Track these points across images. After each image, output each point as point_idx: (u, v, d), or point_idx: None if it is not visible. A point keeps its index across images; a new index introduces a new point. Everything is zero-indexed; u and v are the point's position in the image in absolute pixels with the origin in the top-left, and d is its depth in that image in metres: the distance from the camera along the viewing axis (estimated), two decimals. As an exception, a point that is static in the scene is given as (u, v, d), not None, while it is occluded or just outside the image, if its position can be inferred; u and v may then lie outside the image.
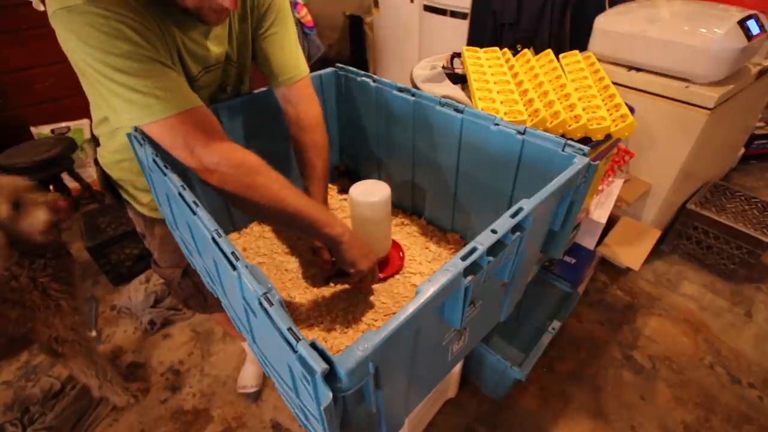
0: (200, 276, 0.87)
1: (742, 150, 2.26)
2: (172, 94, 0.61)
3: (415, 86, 1.07)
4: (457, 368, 1.25)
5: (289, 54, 0.81)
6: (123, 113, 0.60)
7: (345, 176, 1.09)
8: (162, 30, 0.63)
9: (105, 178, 0.89)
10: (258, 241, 0.94)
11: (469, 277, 0.45)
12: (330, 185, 1.11)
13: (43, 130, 2.22)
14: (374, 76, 0.88)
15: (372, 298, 0.78)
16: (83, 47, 0.56)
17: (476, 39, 2.14)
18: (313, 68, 0.95)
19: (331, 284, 0.82)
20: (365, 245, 0.70)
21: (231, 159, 0.63)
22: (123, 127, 0.76)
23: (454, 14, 2.20)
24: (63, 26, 0.56)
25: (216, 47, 0.74)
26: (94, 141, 0.87)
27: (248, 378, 1.39)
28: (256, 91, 0.87)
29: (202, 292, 1.01)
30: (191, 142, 0.62)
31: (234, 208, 0.64)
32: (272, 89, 0.85)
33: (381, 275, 0.82)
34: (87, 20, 0.54)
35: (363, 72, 0.90)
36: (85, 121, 2.31)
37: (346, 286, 0.81)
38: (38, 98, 2.20)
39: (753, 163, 2.38)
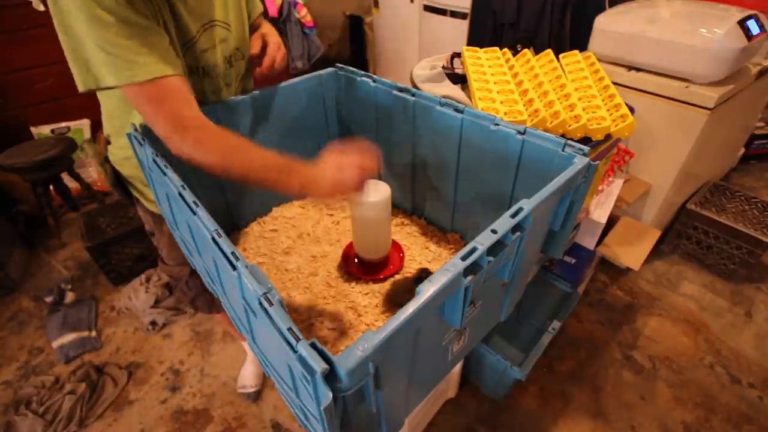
0: (203, 275, 0.87)
1: (742, 150, 2.26)
2: (153, 58, 0.61)
3: (415, 86, 1.07)
4: (457, 368, 1.25)
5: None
6: (107, 73, 0.61)
7: None
8: None
9: (115, 175, 0.89)
10: (258, 241, 0.94)
11: (469, 277, 0.45)
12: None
13: (43, 130, 2.22)
14: (374, 76, 0.88)
15: (372, 298, 0.78)
16: (72, 7, 0.57)
17: (476, 39, 2.14)
18: (313, 68, 0.96)
19: (330, 284, 0.82)
20: (330, 177, 0.63)
21: (202, 126, 0.64)
22: (133, 122, 0.76)
23: (454, 14, 2.20)
24: None
25: (215, 1, 0.76)
26: (105, 139, 0.88)
27: (248, 378, 1.39)
28: (255, 92, 0.87)
29: (209, 291, 1.01)
30: (162, 108, 0.63)
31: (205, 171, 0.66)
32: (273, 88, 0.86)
33: (381, 275, 0.82)
34: None
35: (363, 72, 0.90)
36: (85, 121, 2.30)
37: (347, 285, 0.81)
38: (38, 98, 2.20)
39: (753, 163, 2.38)
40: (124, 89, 0.63)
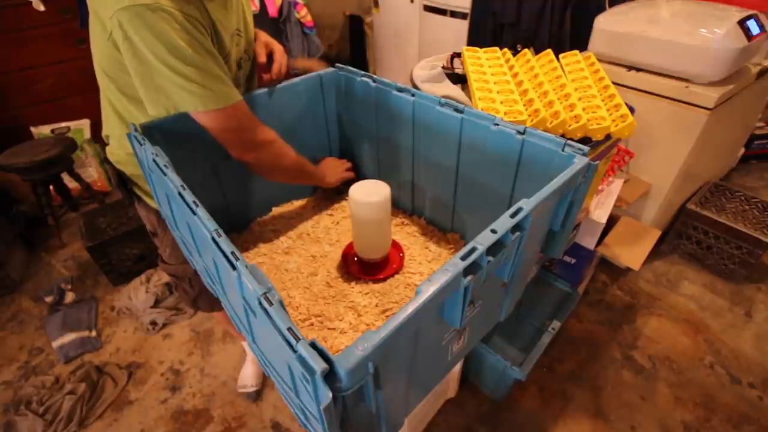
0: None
1: (742, 150, 2.26)
2: (224, 85, 0.69)
3: (415, 86, 1.07)
4: (457, 368, 1.25)
5: None
6: (181, 102, 0.67)
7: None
8: (202, 13, 0.68)
9: (117, 175, 0.89)
10: (258, 241, 0.94)
11: (469, 277, 0.45)
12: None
13: (43, 130, 2.22)
14: (374, 76, 0.88)
15: (372, 298, 0.78)
16: (152, 41, 0.61)
17: (476, 39, 2.14)
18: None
19: (329, 284, 0.82)
20: (330, 170, 0.98)
21: (266, 139, 0.78)
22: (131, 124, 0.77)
23: (454, 14, 2.20)
24: (134, 21, 0.60)
25: (233, 15, 0.79)
26: (101, 141, 0.88)
27: (248, 378, 1.39)
28: (256, 92, 0.87)
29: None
30: (242, 128, 0.74)
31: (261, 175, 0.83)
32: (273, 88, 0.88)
33: (381, 275, 0.82)
34: (159, 16, 0.61)
35: (363, 72, 0.90)
36: (85, 121, 2.30)
37: (347, 285, 0.81)
38: (38, 98, 2.20)
39: (753, 163, 2.38)
40: (201, 115, 0.69)
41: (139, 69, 0.65)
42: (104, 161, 0.91)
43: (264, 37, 0.92)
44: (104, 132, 0.86)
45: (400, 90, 0.84)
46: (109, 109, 0.81)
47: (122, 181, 0.90)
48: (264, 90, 0.88)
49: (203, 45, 0.66)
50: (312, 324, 0.73)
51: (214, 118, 0.69)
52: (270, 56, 0.91)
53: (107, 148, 0.88)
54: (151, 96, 0.68)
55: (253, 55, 0.90)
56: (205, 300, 1.03)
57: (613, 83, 1.04)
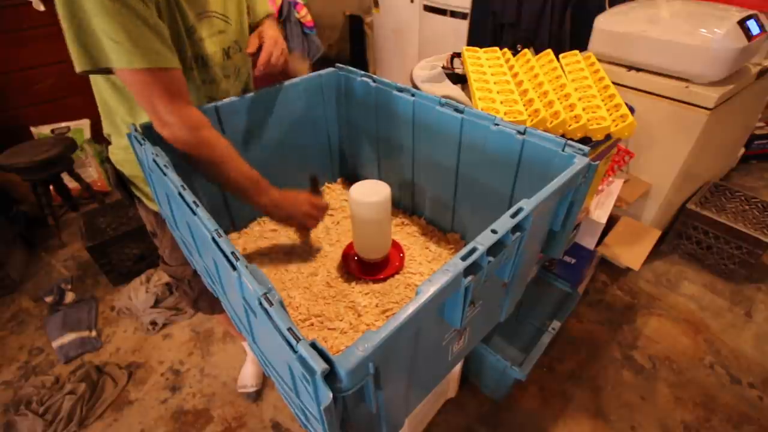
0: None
1: (742, 150, 2.26)
2: (153, 47, 0.64)
3: (415, 86, 1.07)
4: (457, 368, 1.25)
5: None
6: (110, 53, 0.63)
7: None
8: None
9: (117, 175, 0.89)
10: (258, 241, 0.94)
11: (469, 277, 0.45)
12: (330, 184, 1.11)
13: (43, 130, 2.22)
14: (374, 76, 0.88)
15: (372, 298, 0.78)
16: None
17: (476, 39, 2.14)
18: (313, 68, 0.96)
19: (330, 284, 0.82)
20: (289, 205, 0.80)
21: (186, 121, 0.69)
22: (134, 122, 0.77)
23: (454, 14, 2.20)
24: None
25: None
26: (105, 140, 0.88)
27: (248, 378, 1.39)
28: (255, 92, 0.87)
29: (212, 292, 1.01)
30: (156, 98, 0.67)
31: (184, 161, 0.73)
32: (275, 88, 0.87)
33: (381, 275, 0.82)
34: None
35: (363, 72, 0.90)
36: (85, 121, 2.30)
37: (347, 285, 0.81)
38: (38, 98, 2.20)
39: (753, 163, 2.38)
40: (127, 74, 0.65)
41: (67, 22, 0.62)
42: (106, 160, 0.90)
43: (264, 26, 0.88)
44: (105, 131, 0.86)
45: (400, 90, 0.84)
46: (106, 108, 0.81)
47: (121, 181, 0.90)
48: (264, 90, 0.88)
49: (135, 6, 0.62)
50: (312, 324, 0.73)
51: (132, 76, 0.65)
52: (260, 48, 0.85)
53: (110, 148, 0.88)
54: (76, 53, 0.64)
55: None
56: (205, 301, 1.03)
57: (613, 83, 1.04)
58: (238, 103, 0.85)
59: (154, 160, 0.63)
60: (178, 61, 0.69)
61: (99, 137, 2.36)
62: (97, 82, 0.77)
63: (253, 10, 0.90)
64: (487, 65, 1.08)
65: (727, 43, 1.23)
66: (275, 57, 0.84)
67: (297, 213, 0.81)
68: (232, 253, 0.47)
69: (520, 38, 1.95)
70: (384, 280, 0.82)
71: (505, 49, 1.17)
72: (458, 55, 1.20)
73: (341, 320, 0.73)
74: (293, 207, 0.80)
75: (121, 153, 0.85)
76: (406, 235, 0.95)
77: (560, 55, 1.16)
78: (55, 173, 1.90)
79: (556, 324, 1.27)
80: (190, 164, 0.73)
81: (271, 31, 0.86)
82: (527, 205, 0.51)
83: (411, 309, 0.40)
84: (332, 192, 1.09)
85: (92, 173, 2.34)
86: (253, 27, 0.90)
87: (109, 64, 0.64)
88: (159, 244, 0.99)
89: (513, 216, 0.50)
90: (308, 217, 0.82)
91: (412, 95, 0.82)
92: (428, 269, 0.85)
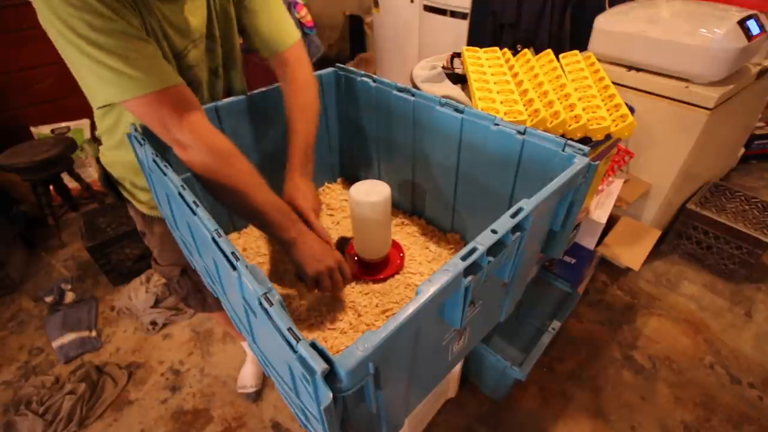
0: (199, 275, 0.87)
1: (742, 150, 2.26)
2: (147, 71, 0.60)
3: (415, 86, 1.07)
4: (457, 368, 1.25)
5: (277, 24, 0.82)
6: (97, 91, 0.61)
7: None
8: (138, 3, 0.63)
9: (106, 176, 0.90)
10: (258, 241, 0.94)
11: (469, 277, 0.45)
12: (330, 184, 1.11)
13: (43, 130, 2.22)
14: (374, 76, 0.88)
15: (372, 298, 0.78)
16: (57, 22, 0.56)
17: (476, 39, 2.14)
18: (313, 68, 0.95)
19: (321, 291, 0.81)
20: (319, 249, 0.69)
21: (204, 140, 0.64)
22: (122, 124, 0.77)
23: (454, 14, 2.20)
24: (39, 1, 0.56)
25: (194, 18, 0.73)
26: (96, 140, 0.88)
27: (248, 378, 1.39)
28: (255, 92, 0.87)
29: (201, 291, 1.01)
30: (166, 120, 0.62)
31: (205, 189, 0.68)
32: (277, 88, 0.86)
33: (381, 275, 0.82)
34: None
35: (363, 72, 0.90)
36: (85, 121, 2.31)
37: (347, 285, 0.81)
38: (38, 98, 2.20)
39: (753, 163, 2.38)
40: (132, 104, 0.61)
41: (69, 63, 0.60)
42: (97, 161, 0.90)
43: (294, 193, 0.77)
44: (98, 132, 0.86)
45: (400, 90, 0.84)
46: (98, 111, 0.80)
47: (110, 182, 0.90)
48: (264, 90, 0.88)
49: (118, 27, 0.58)
50: (312, 324, 0.73)
51: (134, 106, 0.61)
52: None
53: (100, 148, 0.88)
54: (81, 84, 0.62)
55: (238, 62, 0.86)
56: (195, 300, 1.04)
57: (613, 83, 1.04)
58: (238, 103, 0.85)
59: (154, 160, 0.63)
60: (179, 76, 0.65)
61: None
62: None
63: (275, 41, 0.82)
64: (487, 65, 1.08)
65: (727, 43, 1.23)
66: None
67: (323, 261, 0.68)
68: (232, 253, 0.47)
69: (520, 38, 1.95)
70: (384, 280, 0.82)
71: (505, 49, 1.17)
72: (458, 55, 1.20)
73: (341, 320, 0.73)
74: (322, 252, 0.69)
75: (108, 154, 0.86)
76: (406, 235, 0.95)
77: (560, 55, 1.16)
78: (55, 173, 1.90)
79: (556, 324, 1.27)
80: (210, 191, 0.67)
81: (302, 201, 0.75)
82: (527, 205, 0.51)
83: (411, 309, 0.40)
84: (332, 192, 1.09)
85: (92, 173, 2.34)
86: (280, 55, 0.83)
87: (113, 100, 0.61)
88: (148, 244, 1.00)
89: (513, 216, 0.50)
90: (328, 274, 0.69)
91: (412, 95, 0.82)
92: (428, 269, 0.85)
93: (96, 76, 0.59)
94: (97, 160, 0.89)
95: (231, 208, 0.70)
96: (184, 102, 0.64)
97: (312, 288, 0.70)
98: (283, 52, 0.83)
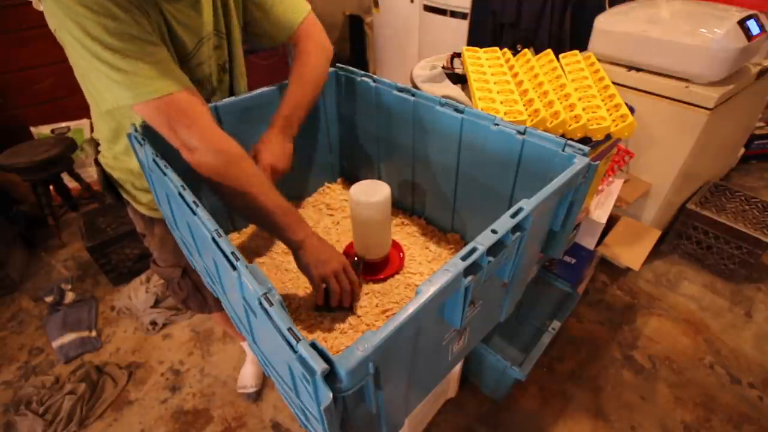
0: (199, 276, 0.87)
1: (742, 150, 2.26)
2: (159, 75, 0.61)
3: (415, 86, 1.07)
4: (457, 368, 1.25)
5: (285, 6, 0.83)
6: (107, 94, 0.61)
7: None
8: (147, 4, 0.63)
9: (105, 178, 0.90)
10: (258, 241, 0.94)
11: (469, 277, 0.45)
12: (330, 184, 1.11)
13: (43, 130, 2.22)
14: (374, 76, 0.88)
15: (372, 298, 0.78)
16: (70, 24, 0.56)
17: (476, 39, 2.14)
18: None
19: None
20: (327, 251, 0.69)
21: (212, 144, 0.64)
22: (125, 130, 0.76)
23: (454, 14, 2.20)
24: (52, 3, 0.56)
25: (202, 15, 0.73)
26: (94, 142, 0.88)
27: (248, 378, 1.39)
28: (255, 92, 0.87)
29: (201, 292, 1.01)
30: (174, 124, 0.63)
31: (211, 192, 0.68)
32: (279, 87, 0.86)
33: (381, 275, 0.82)
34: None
35: (363, 72, 0.90)
36: (85, 121, 2.31)
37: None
38: (38, 98, 2.20)
39: (753, 163, 2.38)
40: (141, 107, 0.62)
41: (74, 69, 0.61)
42: (95, 162, 0.90)
43: (261, 148, 0.78)
44: (94, 135, 0.86)
45: (400, 90, 0.84)
46: (96, 112, 0.80)
47: (110, 184, 0.90)
48: (264, 90, 0.88)
49: (132, 31, 0.59)
50: (312, 324, 0.73)
51: (144, 109, 0.62)
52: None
53: (101, 151, 0.88)
54: (88, 87, 0.62)
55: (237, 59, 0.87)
56: (195, 302, 1.03)
57: (613, 83, 1.04)
58: (238, 103, 0.85)
59: (154, 160, 0.63)
60: (188, 80, 0.66)
61: (99, 137, 2.36)
62: (83, 86, 0.75)
63: (283, 22, 0.83)
64: (487, 65, 1.08)
65: (727, 43, 1.23)
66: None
67: (329, 264, 0.68)
68: (232, 253, 0.47)
69: (520, 38, 1.95)
70: (384, 280, 0.82)
71: (505, 49, 1.17)
72: (458, 55, 1.20)
73: (341, 320, 0.73)
74: (328, 255, 0.68)
75: (108, 157, 0.86)
76: (406, 235, 0.95)
77: (560, 55, 1.16)
78: (55, 173, 1.90)
79: (556, 324, 1.27)
80: (217, 193, 0.67)
81: (266, 154, 0.76)
82: (527, 205, 0.51)
83: (411, 309, 0.40)
84: (332, 192, 1.09)
85: (92, 173, 2.34)
86: (295, 33, 0.84)
87: (124, 103, 0.61)
88: (148, 246, 1.00)
89: (513, 216, 0.50)
90: (334, 276, 0.68)
91: (412, 95, 0.82)
92: (428, 269, 0.85)
93: (108, 78, 0.59)
94: (96, 162, 0.89)
95: (239, 211, 0.70)
96: (192, 105, 0.64)
97: (320, 293, 0.70)
98: (296, 30, 0.84)
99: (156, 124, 0.64)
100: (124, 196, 0.91)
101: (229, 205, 0.68)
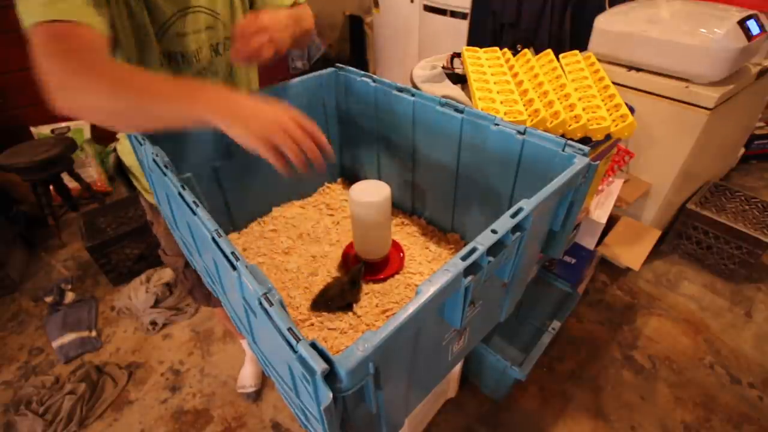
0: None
1: (742, 150, 2.26)
2: (63, 4, 0.54)
3: (415, 86, 1.07)
4: (457, 368, 1.25)
5: None
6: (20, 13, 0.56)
7: None
8: None
9: (119, 165, 0.91)
10: (258, 241, 0.94)
11: (470, 277, 0.45)
12: (330, 184, 1.11)
13: (43, 130, 2.22)
14: (374, 76, 0.88)
15: (372, 298, 0.78)
16: None
17: (476, 39, 2.14)
18: (313, 68, 0.96)
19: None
20: (255, 102, 0.53)
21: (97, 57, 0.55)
22: None
23: (454, 14, 2.20)
24: None
25: None
26: (104, 140, 0.89)
27: (248, 378, 1.39)
28: (254, 92, 0.87)
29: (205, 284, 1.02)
30: (40, 51, 0.54)
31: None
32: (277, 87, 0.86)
33: (381, 275, 0.82)
34: None
35: (363, 72, 0.90)
36: (84, 122, 2.31)
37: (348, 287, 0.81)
38: (38, 98, 2.19)
39: (753, 163, 2.38)
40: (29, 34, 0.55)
41: None
42: (113, 149, 0.91)
43: (263, 12, 0.69)
44: None
45: (400, 90, 0.84)
46: None
47: (123, 171, 0.91)
48: (264, 90, 0.88)
49: None
50: (312, 324, 0.73)
51: (31, 35, 0.55)
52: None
53: (119, 136, 0.89)
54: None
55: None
56: (201, 293, 1.05)
57: (613, 83, 1.04)
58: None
59: (154, 160, 0.63)
60: (96, 17, 0.56)
61: (99, 137, 2.36)
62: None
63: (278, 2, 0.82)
64: (487, 65, 1.08)
65: (727, 43, 1.23)
66: (254, 47, 0.65)
67: (263, 115, 0.52)
68: (232, 253, 0.47)
69: (520, 38, 1.95)
70: (384, 280, 0.82)
71: (505, 49, 1.17)
72: (458, 55, 1.20)
73: (341, 320, 0.73)
74: (261, 106, 0.53)
75: (124, 142, 0.87)
76: (406, 235, 0.95)
77: (560, 55, 1.16)
78: (55, 173, 1.90)
79: (556, 324, 1.27)
80: (80, 114, 0.54)
81: (266, 15, 0.67)
82: (527, 205, 0.51)
83: (411, 309, 0.40)
84: (332, 192, 1.09)
85: (92, 173, 2.34)
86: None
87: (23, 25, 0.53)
88: (156, 234, 1.01)
89: (513, 216, 0.50)
90: (281, 129, 0.52)
91: (412, 95, 0.81)
92: (428, 269, 0.84)
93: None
94: (114, 148, 0.90)
95: (114, 118, 0.54)
96: (76, 40, 0.54)
97: (280, 158, 0.53)
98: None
99: (33, 56, 0.55)
100: (135, 184, 0.93)
101: (99, 118, 0.54)
